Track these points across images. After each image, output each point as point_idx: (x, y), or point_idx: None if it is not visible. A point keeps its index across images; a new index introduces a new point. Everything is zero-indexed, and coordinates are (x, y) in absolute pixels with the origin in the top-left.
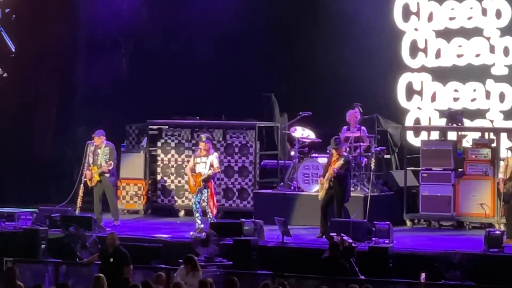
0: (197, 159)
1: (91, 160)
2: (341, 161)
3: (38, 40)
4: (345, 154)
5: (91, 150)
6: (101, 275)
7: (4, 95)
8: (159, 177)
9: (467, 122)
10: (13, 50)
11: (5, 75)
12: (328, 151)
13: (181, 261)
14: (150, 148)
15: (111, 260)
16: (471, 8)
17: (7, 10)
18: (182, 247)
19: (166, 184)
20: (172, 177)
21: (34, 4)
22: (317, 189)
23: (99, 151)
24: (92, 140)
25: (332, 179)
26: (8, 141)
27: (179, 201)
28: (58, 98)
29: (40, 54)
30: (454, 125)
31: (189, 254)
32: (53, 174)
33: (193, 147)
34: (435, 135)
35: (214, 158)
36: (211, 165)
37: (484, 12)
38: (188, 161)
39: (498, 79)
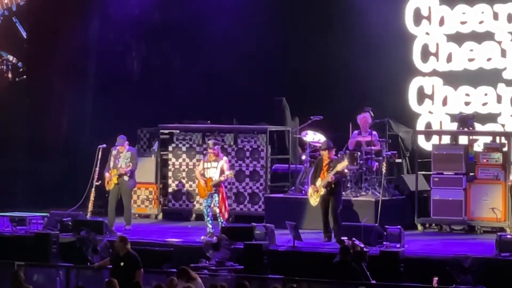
0: (207, 164)
1: (111, 164)
2: (345, 162)
3: (50, 46)
4: (335, 156)
5: (113, 155)
6: (113, 279)
7: (18, 96)
8: (170, 181)
9: (478, 126)
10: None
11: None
12: (317, 156)
13: (193, 265)
14: (161, 152)
15: (122, 264)
16: (483, 12)
17: (21, 3)
18: (194, 251)
19: (177, 188)
20: (184, 181)
21: (48, 7)
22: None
23: (121, 155)
24: (115, 146)
25: (333, 185)
26: (20, 144)
27: (190, 206)
28: (70, 102)
29: (52, 58)
30: (466, 129)
31: (182, 266)
32: (65, 178)
33: (204, 152)
34: (446, 139)
35: (224, 162)
36: (222, 170)
37: (496, 16)
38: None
39: (509, 83)
